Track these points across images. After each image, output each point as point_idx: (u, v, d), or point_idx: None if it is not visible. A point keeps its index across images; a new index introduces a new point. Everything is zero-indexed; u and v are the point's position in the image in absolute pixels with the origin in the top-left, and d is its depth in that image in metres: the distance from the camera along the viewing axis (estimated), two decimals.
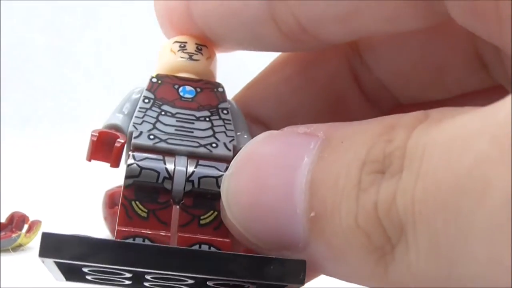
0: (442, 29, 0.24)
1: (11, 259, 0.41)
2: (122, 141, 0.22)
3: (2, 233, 0.43)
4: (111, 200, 0.47)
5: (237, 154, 0.20)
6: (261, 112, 0.26)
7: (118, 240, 0.20)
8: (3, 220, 0.46)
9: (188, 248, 0.20)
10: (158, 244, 0.19)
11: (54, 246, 0.18)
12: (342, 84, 0.26)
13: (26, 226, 0.46)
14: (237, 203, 0.19)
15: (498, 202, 0.14)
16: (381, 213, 0.17)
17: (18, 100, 0.94)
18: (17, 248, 0.43)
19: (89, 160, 0.22)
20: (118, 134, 0.22)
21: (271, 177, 0.19)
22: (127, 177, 0.20)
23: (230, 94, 0.26)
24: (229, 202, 0.20)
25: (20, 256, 0.42)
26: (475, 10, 0.19)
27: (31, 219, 0.46)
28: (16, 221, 0.46)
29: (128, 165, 0.21)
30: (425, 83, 0.26)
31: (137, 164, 0.20)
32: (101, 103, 0.95)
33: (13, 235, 0.43)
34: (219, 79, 0.25)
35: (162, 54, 0.25)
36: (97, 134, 0.22)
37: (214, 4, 0.23)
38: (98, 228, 0.45)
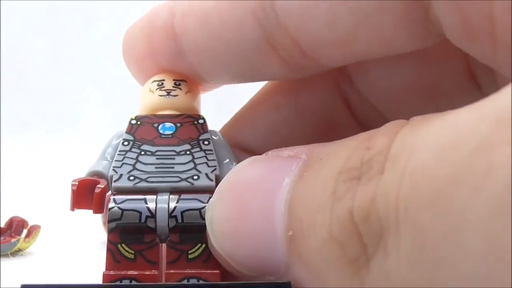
0: (436, 51, 0.24)
1: (10, 264, 0.41)
2: (102, 186, 0.22)
3: (1, 238, 0.43)
4: None
5: (221, 181, 0.20)
6: (252, 142, 0.25)
7: (103, 284, 0.20)
8: (2, 225, 0.46)
9: (172, 283, 0.19)
10: (144, 283, 0.19)
11: None
12: (333, 110, 0.26)
13: (25, 231, 0.45)
14: (221, 231, 0.19)
15: (501, 184, 0.13)
16: (357, 218, 0.16)
17: (17, 104, 0.94)
18: (16, 253, 0.43)
19: (73, 210, 0.22)
20: (98, 180, 0.22)
21: (252, 202, 0.19)
22: (109, 221, 0.20)
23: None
24: (213, 230, 0.19)
25: (19, 261, 0.42)
26: (470, 31, 0.19)
27: (30, 224, 0.46)
28: (15, 226, 0.46)
29: (109, 209, 0.20)
30: (418, 106, 0.25)
31: (118, 207, 0.20)
32: (101, 107, 0.95)
33: (12, 240, 0.43)
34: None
35: (143, 96, 0.24)
36: (77, 183, 0.22)
37: (206, 39, 0.23)
38: (97, 233, 0.45)
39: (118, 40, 0.27)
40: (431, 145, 0.15)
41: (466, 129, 0.15)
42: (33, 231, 0.45)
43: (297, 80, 0.26)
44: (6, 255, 0.42)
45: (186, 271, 0.20)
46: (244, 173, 0.20)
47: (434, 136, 0.15)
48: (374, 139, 0.17)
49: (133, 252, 0.20)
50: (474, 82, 0.24)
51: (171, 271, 0.20)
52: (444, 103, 0.25)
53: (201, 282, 0.20)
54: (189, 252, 0.20)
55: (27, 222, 0.46)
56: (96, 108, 0.94)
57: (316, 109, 0.26)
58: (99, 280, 0.20)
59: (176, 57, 0.24)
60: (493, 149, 0.14)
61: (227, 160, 0.23)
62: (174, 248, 0.20)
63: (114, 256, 0.20)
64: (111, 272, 0.20)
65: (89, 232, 0.47)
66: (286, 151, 0.20)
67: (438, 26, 0.20)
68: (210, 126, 0.24)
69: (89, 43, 0.98)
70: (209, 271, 0.20)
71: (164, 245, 0.21)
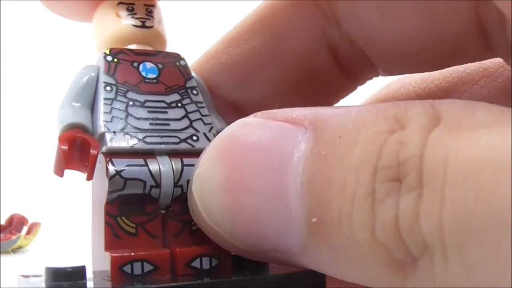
0: None
1: (10, 261, 0.41)
2: (98, 149, 0.19)
3: (2, 235, 0.44)
4: None
5: (207, 149, 0.18)
6: (225, 88, 0.23)
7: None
8: (2, 222, 0.47)
9: (195, 283, 0.17)
10: (176, 284, 0.17)
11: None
12: (316, 57, 0.23)
13: (25, 228, 0.46)
14: (215, 204, 0.17)
15: None
16: (403, 229, 0.15)
17: (18, 101, 0.94)
18: (17, 249, 0.43)
19: (62, 176, 0.19)
20: (87, 137, 0.19)
21: (255, 175, 0.17)
22: (110, 192, 0.18)
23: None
24: (204, 203, 0.17)
25: (19, 257, 0.42)
26: None
27: (30, 221, 0.47)
28: (16, 223, 0.46)
29: (111, 178, 0.18)
30: (417, 56, 0.23)
31: (120, 176, 0.18)
32: None
33: (13, 237, 0.43)
34: None
35: (104, 19, 0.21)
36: (67, 143, 0.19)
37: None
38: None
39: None
40: (467, 173, 0.15)
41: (501, 164, 0.14)
42: (33, 228, 0.45)
43: (277, 23, 0.23)
44: (7, 252, 0.42)
45: (194, 248, 0.19)
46: (237, 141, 0.18)
47: (468, 160, 0.15)
48: (407, 133, 0.16)
49: (134, 225, 0.18)
50: (482, 34, 0.22)
51: (180, 248, 0.18)
52: (446, 50, 0.23)
53: (213, 260, 0.18)
54: (192, 223, 0.19)
55: (27, 219, 0.47)
56: None
57: (298, 56, 0.23)
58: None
59: None
60: None
61: (210, 114, 0.21)
62: (177, 219, 0.19)
63: (113, 231, 0.18)
64: (117, 253, 0.18)
65: (90, 229, 0.47)
66: (280, 114, 0.17)
67: None
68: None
69: (89, 40, 0.99)
70: (218, 248, 0.18)
71: (162, 213, 0.19)
